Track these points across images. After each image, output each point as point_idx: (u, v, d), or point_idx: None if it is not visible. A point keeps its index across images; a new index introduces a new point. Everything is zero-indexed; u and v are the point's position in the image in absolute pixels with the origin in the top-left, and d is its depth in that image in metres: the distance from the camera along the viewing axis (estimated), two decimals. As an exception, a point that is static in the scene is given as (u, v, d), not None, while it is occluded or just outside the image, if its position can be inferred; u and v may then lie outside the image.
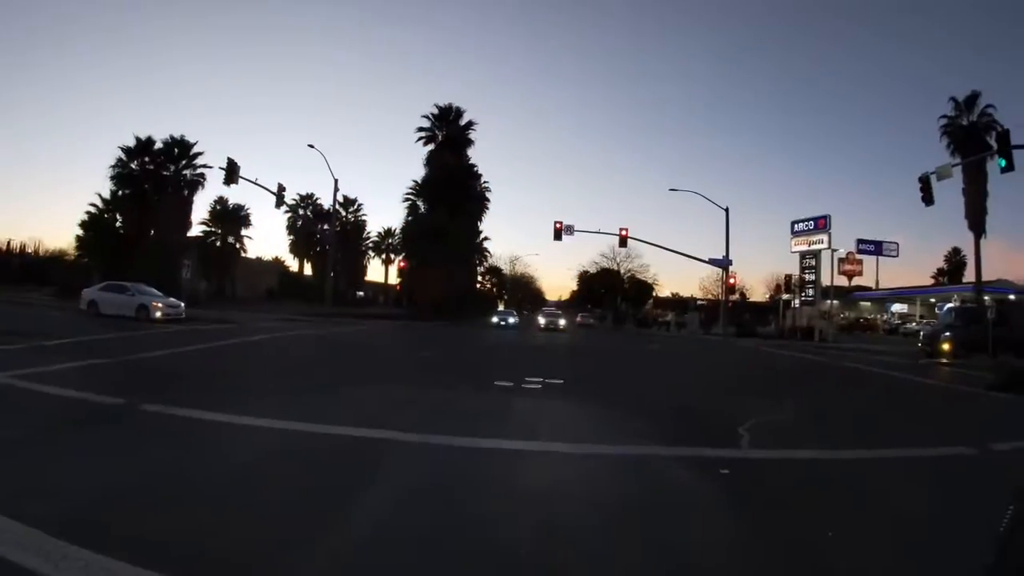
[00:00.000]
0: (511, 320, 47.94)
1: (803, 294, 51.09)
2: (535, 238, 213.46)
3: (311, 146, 38.45)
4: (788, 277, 56.20)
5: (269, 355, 16.91)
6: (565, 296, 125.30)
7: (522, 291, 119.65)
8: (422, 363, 17.00)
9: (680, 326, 62.21)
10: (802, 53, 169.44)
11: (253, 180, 32.48)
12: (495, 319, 48.26)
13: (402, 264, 58.13)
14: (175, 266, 48.11)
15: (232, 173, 33.11)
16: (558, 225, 45.71)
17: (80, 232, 49.80)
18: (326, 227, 69.11)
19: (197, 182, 51.38)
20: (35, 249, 59.62)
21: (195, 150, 51.03)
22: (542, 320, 48.13)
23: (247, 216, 71.38)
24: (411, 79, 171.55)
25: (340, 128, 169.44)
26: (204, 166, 51.18)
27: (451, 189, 56.94)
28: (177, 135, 50.50)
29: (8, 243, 59.07)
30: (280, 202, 33.62)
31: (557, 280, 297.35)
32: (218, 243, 60.93)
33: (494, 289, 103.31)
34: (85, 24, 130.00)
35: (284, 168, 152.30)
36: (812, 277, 50.29)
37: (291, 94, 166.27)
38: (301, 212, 77.22)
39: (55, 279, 48.93)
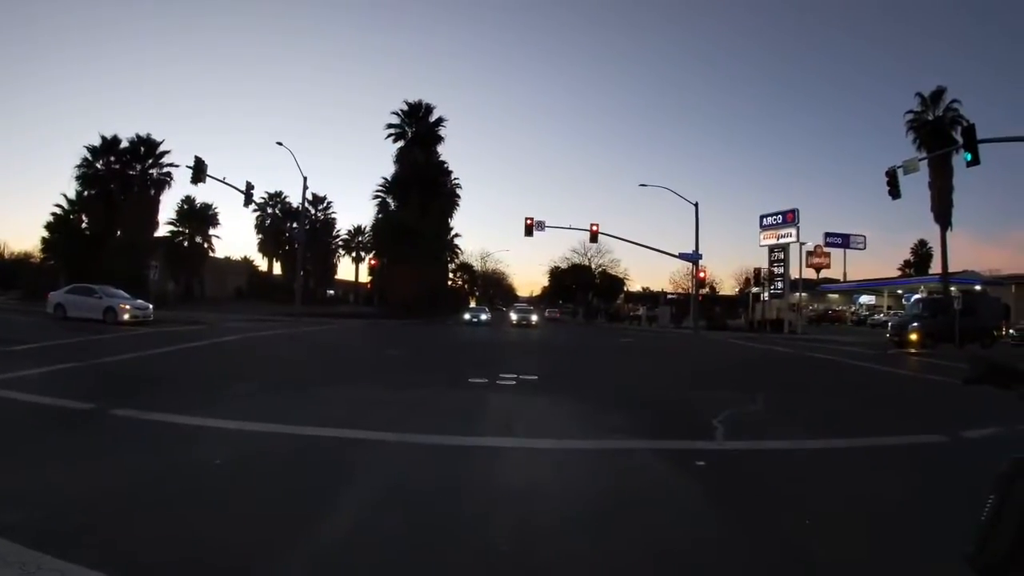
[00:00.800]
0: (483, 317, 47.79)
1: (772, 287, 51.93)
2: (506, 235, 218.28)
3: (280, 144, 37.93)
4: (757, 271, 57.07)
5: (238, 356, 16.64)
6: (536, 292, 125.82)
7: (493, 288, 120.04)
8: (394, 361, 16.83)
9: (651, 320, 62.54)
10: (772, 49, 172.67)
11: (221, 179, 31.99)
12: (467, 316, 48.16)
13: (372, 262, 57.63)
14: (142, 267, 47.32)
15: (199, 172, 32.54)
16: (529, 221, 45.51)
17: (46, 234, 48.78)
18: (295, 225, 68.56)
19: (164, 181, 50.44)
20: (21, 254, 57.69)
21: (161, 148, 50.07)
22: (514, 316, 47.99)
23: (215, 215, 70.14)
24: (381, 77, 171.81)
25: (310, 126, 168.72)
26: (171, 165, 50.27)
27: (421, 186, 56.62)
28: (144, 134, 49.52)
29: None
30: (248, 200, 33.10)
31: (528, 276, 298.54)
32: (186, 243, 59.81)
33: (466, 286, 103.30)
34: (49, 22, 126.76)
35: (252, 167, 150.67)
36: (781, 270, 51.24)
37: (260, 93, 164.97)
38: (270, 211, 76.36)
39: (20, 282, 47.82)
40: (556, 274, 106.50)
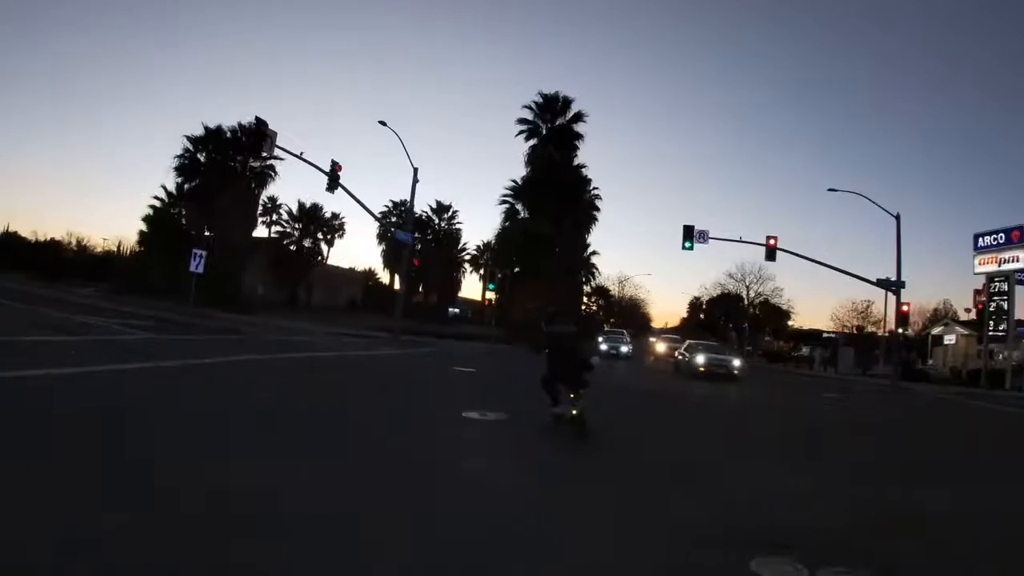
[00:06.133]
0: (624, 349, 38.18)
1: (990, 327, 38.94)
2: (646, 255, 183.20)
3: (383, 123, 30.94)
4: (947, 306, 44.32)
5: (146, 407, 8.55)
6: (671, 323, 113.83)
7: (628, 316, 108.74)
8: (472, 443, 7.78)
9: (825, 364, 50.62)
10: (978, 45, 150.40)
11: (298, 154, 25.07)
12: (603, 344, 38.48)
13: (497, 276, 49.55)
14: (237, 267, 42.23)
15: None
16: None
17: (144, 227, 44.97)
18: (417, 234, 62.20)
19: (266, 175, 45.33)
20: (115, 246, 54.92)
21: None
22: (702, 359, 26.63)
23: (338, 223, 66.31)
24: (514, 75, 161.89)
25: (438, 130, 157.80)
26: (275, 158, 45.06)
27: (556, 190, 48.36)
28: (247, 122, 44.57)
29: (77, 240, 55.12)
30: (334, 185, 26.08)
31: (665, 306, 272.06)
32: (292, 246, 54.25)
33: (600, 312, 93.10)
34: (153, 9, 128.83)
35: (376, 176, 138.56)
36: (1002, 304, 38.41)
37: (378, 88, 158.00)
38: (393, 220, 70.46)
39: (111, 276, 44.63)
40: (697, 304, 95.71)
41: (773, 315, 77.13)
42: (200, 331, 19.99)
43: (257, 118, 24.81)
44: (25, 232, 57.10)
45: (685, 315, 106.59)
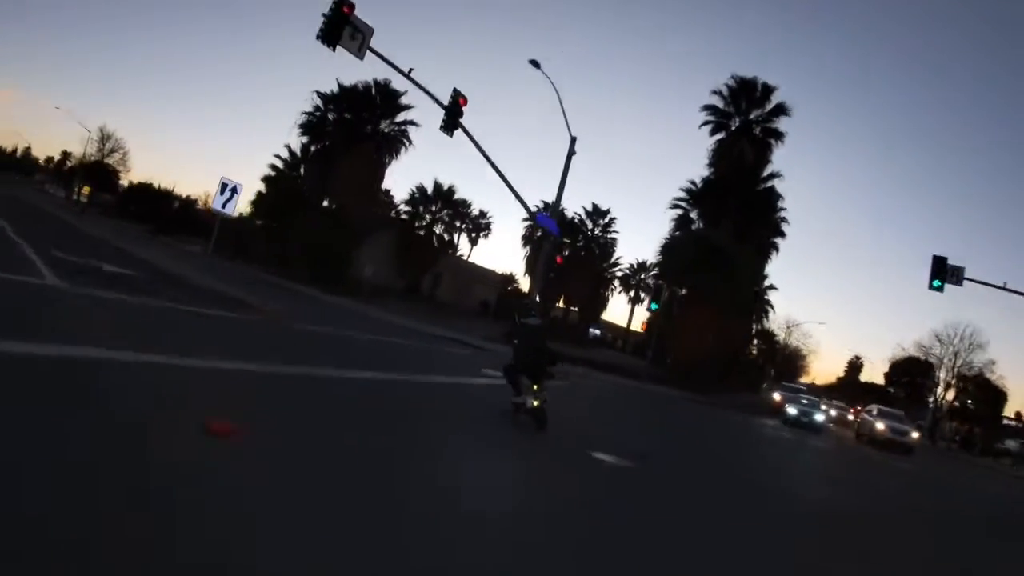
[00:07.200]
0: (818, 418, 27.97)
1: None
2: (820, 298, 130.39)
3: (534, 63, 23.07)
4: None
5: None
6: (822, 380, 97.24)
7: (787, 368, 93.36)
8: None
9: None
10: None
11: (406, 72, 17.24)
12: (791, 410, 28.30)
13: (664, 292, 39.85)
14: (353, 242, 35.95)
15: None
16: (939, 265, 24.77)
17: (263, 188, 40.05)
18: (566, 239, 53.79)
19: (398, 140, 38.86)
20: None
21: (402, 101, 38.55)
22: (881, 425, 26.86)
23: (475, 216, 59.88)
24: (697, 52, 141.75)
25: (592, 120, 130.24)
26: (408, 123, 38.75)
27: (740, 200, 38.57)
28: (381, 80, 38.47)
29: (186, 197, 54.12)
30: (452, 124, 18.04)
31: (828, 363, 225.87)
32: (422, 231, 47.12)
33: (760, 359, 79.08)
34: None
35: (527, 163, 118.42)
36: None
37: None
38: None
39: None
40: (858, 364, 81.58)
41: (983, 394, 61.52)
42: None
43: (454, 91, 18.27)
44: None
45: (842, 373, 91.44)
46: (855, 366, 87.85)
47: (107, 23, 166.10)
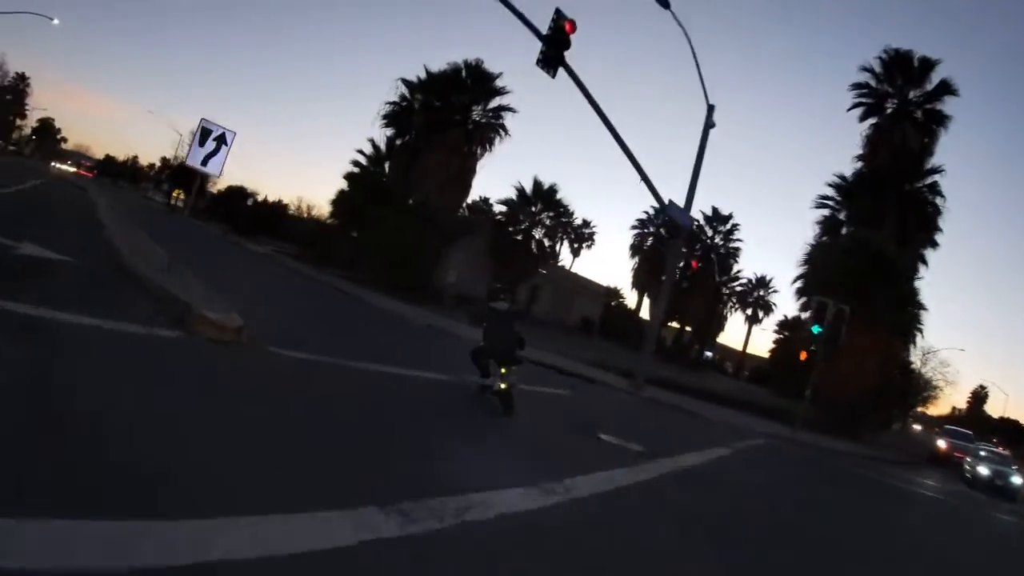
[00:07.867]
0: (1016, 481, 22.24)
1: None
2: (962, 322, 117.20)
3: (663, 4, 17.96)
4: None
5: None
6: (942, 413, 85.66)
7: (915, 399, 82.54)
8: None
9: None
10: None
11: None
12: (983, 470, 22.47)
13: (804, 309, 32.62)
14: (439, 242, 31.51)
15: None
16: None
17: (345, 186, 36.58)
18: (699, 250, 47.36)
19: (492, 129, 34.43)
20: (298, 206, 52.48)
21: (497, 84, 34.18)
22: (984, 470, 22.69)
23: (578, 225, 55.04)
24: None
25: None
26: (505, 108, 34.23)
27: (898, 198, 31.58)
28: (472, 60, 34.33)
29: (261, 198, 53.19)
30: (554, 58, 13.12)
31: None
32: (519, 236, 41.52)
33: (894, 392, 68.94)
34: None
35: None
36: None
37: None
38: (651, 229, 55.22)
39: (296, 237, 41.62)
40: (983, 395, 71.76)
41: None
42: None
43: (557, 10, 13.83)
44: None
45: (962, 404, 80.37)
46: (979, 396, 77.19)
47: (199, 29, 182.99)
